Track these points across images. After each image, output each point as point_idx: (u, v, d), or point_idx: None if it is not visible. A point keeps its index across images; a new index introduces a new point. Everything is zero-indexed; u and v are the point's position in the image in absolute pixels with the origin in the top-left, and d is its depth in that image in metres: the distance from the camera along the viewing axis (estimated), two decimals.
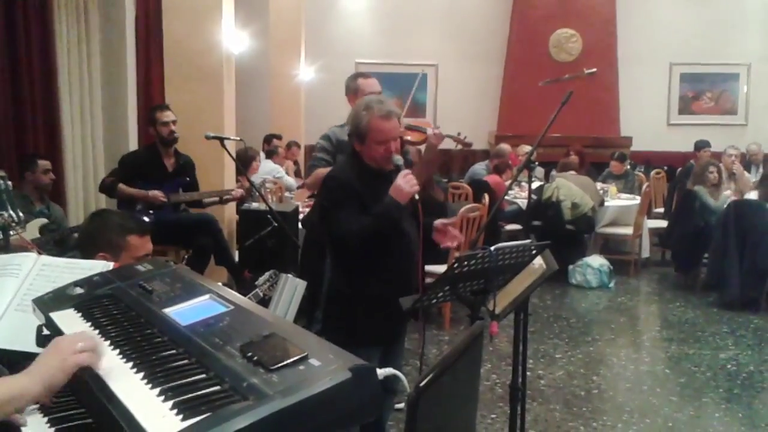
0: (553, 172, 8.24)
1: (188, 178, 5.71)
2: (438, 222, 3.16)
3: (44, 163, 5.11)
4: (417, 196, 2.99)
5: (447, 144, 7.86)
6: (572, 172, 8.02)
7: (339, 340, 2.92)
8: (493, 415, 4.23)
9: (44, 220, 4.95)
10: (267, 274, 2.77)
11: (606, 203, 8.07)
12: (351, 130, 3.08)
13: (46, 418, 1.72)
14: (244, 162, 6.87)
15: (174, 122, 5.53)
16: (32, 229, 4.80)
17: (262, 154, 8.64)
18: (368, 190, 3.00)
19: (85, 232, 2.59)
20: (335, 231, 3.00)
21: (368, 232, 2.94)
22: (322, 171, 3.84)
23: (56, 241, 4.87)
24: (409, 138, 4.05)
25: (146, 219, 4.42)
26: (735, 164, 8.39)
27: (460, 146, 4.34)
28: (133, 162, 5.64)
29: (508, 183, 7.11)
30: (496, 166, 8.39)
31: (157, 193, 5.44)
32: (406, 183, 2.94)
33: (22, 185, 5.04)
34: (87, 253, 2.35)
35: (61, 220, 5.21)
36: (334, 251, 3.21)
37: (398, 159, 3.04)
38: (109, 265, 2.13)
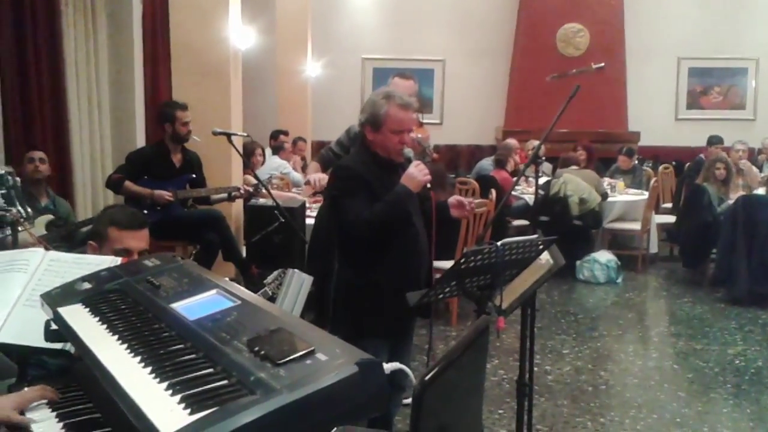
0: (559, 170, 8.23)
1: (195, 175, 5.72)
2: (451, 199, 3.23)
3: (30, 154, 5.05)
4: (431, 191, 3.02)
5: (454, 140, 7.82)
6: (574, 167, 7.99)
7: (347, 332, 2.96)
8: (500, 411, 4.23)
9: (50, 216, 4.95)
10: (275, 273, 2.77)
11: (614, 198, 8.05)
12: (366, 117, 3.08)
13: (54, 413, 1.74)
14: (247, 155, 6.88)
15: (190, 122, 5.59)
16: (38, 226, 4.81)
17: (269, 150, 8.64)
18: (379, 181, 3.02)
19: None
20: (345, 219, 3.00)
21: (379, 219, 2.95)
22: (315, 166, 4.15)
23: (63, 237, 4.89)
24: None
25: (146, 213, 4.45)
26: (742, 159, 8.37)
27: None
28: (141, 158, 5.65)
29: (515, 179, 7.11)
30: (497, 160, 8.37)
31: (162, 193, 5.45)
32: (418, 172, 2.98)
33: (23, 181, 5.06)
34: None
35: (68, 215, 5.21)
36: (342, 242, 3.21)
37: (409, 151, 3.06)
38: (117, 260, 2.14)
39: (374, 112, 3.04)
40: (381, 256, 3.05)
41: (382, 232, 2.99)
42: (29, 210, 4.58)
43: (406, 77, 4.04)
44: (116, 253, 2.37)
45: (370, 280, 3.07)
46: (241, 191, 5.74)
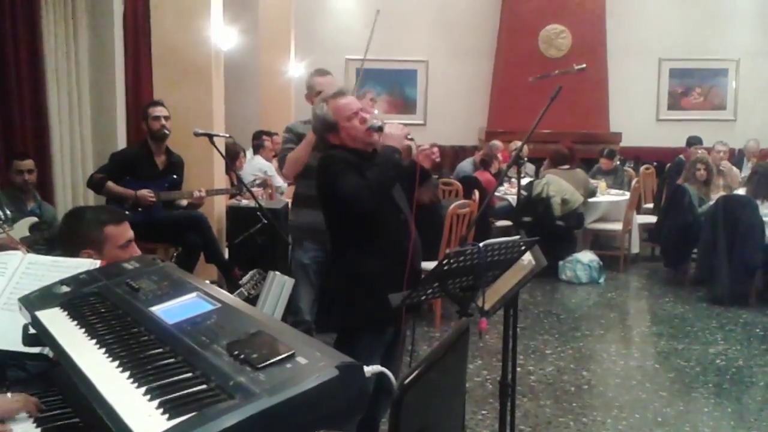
0: (542, 169, 8.26)
1: (176, 176, 5.69)
2: (415, 154, 3.25)
3: (18, 164, 5.05)
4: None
5: (437, 141, 7.85)
6: (566, 166, 7.98)
7: (346, 326, 2.96)
8: (483, 411, 4.24)
9: (34, 219, 4.92)
10: (251, 273, 2.76)
11: (596, 199, 8.09)
12: (320, 128, 3.12)
13: (32, 418, 1.72)
14: (231, 156, 6.85)
15: (166, 118, 5.53)
16: (22, 228, 4.79)
17: (250, 151, 8.59)
18: (363, 168, 3.02)
19: (63, 232, 2.57)
20: (344, 195, 2.99)
21: (376, 182, 2.95)
22: (294, 155, 4.04)
23: (46, 239, 4.86)
24: None
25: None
26: (723, 160, 8.44)
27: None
28: (125, 159, 5.62)
29: (501, 169, 7.14)
30: (482, 160, 8.39)
31: (145, 193, 5.41)
32: (395, 129, 3.02)
33: (10, 185, 5.06)
34: (70, 253, 2.33)
35: (53, 219, 5.19)
36: (336, 233, 3.19)
37: (376, 122, 3.07)
38: (96, 263, 2.11)
39: (322, 119, 3.11)
40: (374, 243, 3.06)
41: (383, 197, 3.00)
42: (8, 212, 4.55)
43: (324, 73, 4.19)
44: (122, 248, 2.41)
45: (364, 268, 3.07)
46: (195, 194, 5.67)
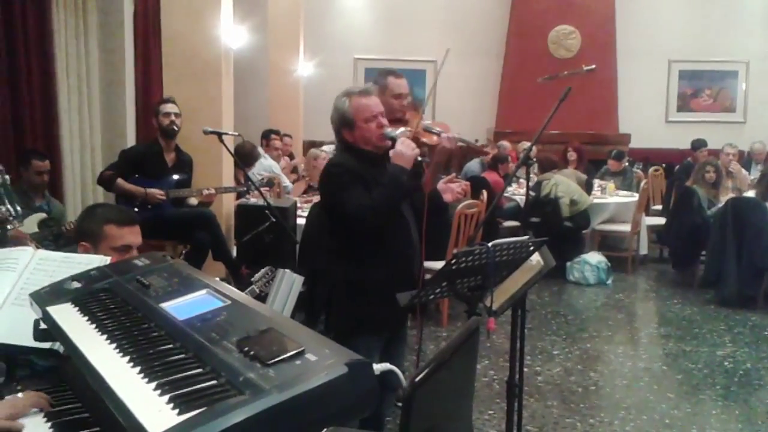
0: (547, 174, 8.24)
1: (185, 174, 5.71)
2: (440, 184, 3.26)
3: (38, 165, 5.04)
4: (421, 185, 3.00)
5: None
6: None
7: (342, 330, 2.95)
8: (490, 411, 4.24)
9: (43, 215, 4.94)
10: (263, 271, 2.76)
11: (604, 200, 8.10)
12: (338, 122, 3.09)
13: (42, 413, 1.73)
14: (247, 160, 6.86)
15: (176, 114, 5.56)
16: (31, 224, 4.81)
17: (261, 150, 8.61)
18: (370, 175, 3.01)
19: (76, 223, 2.60)
20: (347, 211, 2.97)
21: (382, 203, 2.93)
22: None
23: (55, 236, 4.88)
24: (424, 140, 3.95)
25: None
26: (732, 162, 8.41)
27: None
28: (134, 156, 5.64)
29: (509, 172, 7.13)
30: (494, 157, 8.38)
31: (155, 192, 5.43)
32: (406, 147, 2.98)
33: (20, 180, 5.06)
34: (74, 243, 2.36)
35: (61, 215, 5.21)
36: (337, 239, 3.19)
37: (391, 131, 3.05)
38: (107, 260, 2.13)
39: (342, 113, 3.07)
40: (375, 250, 3.04)
41: (388, 217, 2.98)
42: (18, 209, 4.57)
43: (398, 75, 4.02)
44: (117, 251, 2.40)
45: (365, 275, 3.05)
46: (204, 193, 5.68)
